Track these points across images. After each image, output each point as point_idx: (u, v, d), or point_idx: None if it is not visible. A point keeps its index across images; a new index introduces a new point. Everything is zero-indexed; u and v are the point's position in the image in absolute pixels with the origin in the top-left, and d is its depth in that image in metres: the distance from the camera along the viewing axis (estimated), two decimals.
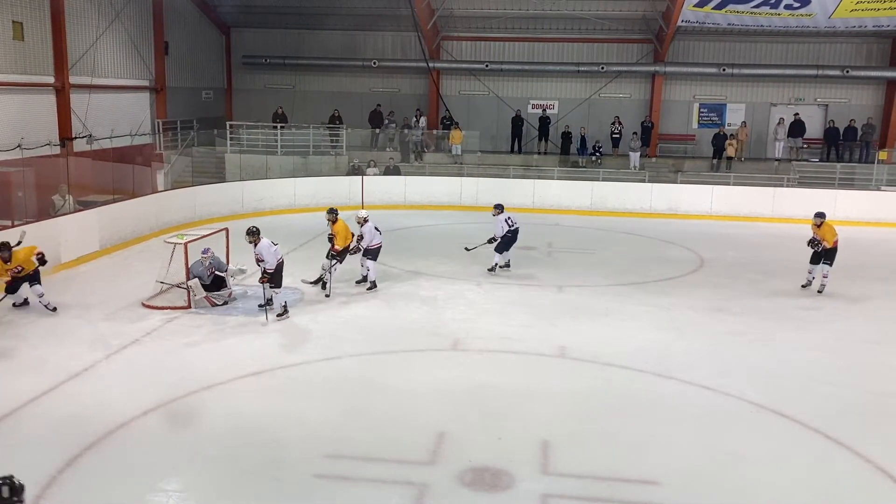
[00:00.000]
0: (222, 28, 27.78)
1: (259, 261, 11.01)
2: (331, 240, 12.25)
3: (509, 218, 13.69)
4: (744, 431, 7.73)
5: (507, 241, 13.73)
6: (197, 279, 11.44)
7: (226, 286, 11.81)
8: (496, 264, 13.83)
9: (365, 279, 12.77)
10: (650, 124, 25.18)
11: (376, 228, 12.69)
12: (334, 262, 12.30)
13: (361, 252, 12.68)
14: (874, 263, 15.72)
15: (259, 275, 11.06)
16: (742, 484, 6.66)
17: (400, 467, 6.80)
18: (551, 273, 14.18)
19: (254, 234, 10.98)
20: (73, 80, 19.44)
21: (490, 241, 13.79)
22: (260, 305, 11.34)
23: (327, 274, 12.28)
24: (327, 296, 12.05)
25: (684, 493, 6.47)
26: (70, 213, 14.97)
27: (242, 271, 12.20)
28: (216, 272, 11.70)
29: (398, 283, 13.17)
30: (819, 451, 7.35)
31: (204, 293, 11.47)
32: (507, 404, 8.21)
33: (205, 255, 11.55)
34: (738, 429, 7.79)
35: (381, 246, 12.76)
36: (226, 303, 11.59)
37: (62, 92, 19.13)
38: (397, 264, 14.13)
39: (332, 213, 12.47)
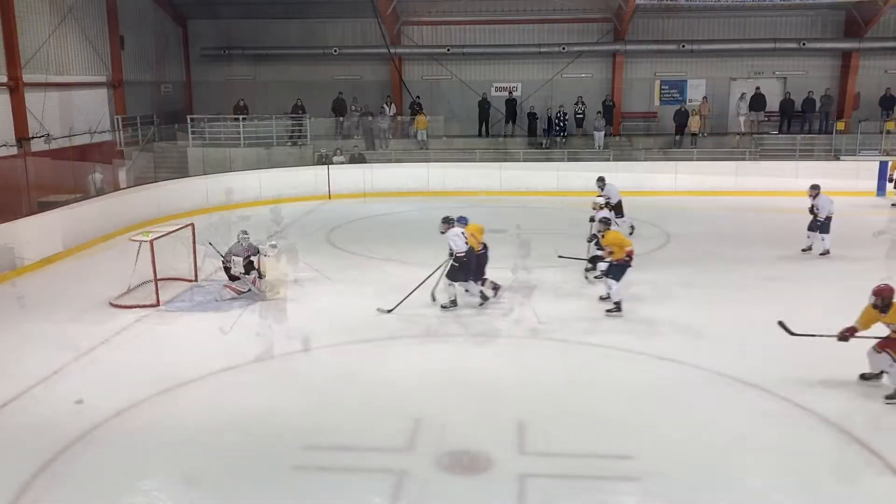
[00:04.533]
0: (179, 20, 27.28)
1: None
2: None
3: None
4: (715, 403, 7.90)
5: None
6: (238, 258, 11.41)
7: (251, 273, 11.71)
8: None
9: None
10: (611, 103, 25.30)
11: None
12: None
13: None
14: (834, 232, 16.00)
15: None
16: (714, 453, 6.80)
17: (378, 455, 6.83)
18: (520, 254, 14.24)
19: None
20: (27, 78, 18.97)
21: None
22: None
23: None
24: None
25: (659, 465, 6.58)
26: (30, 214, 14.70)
27: (274, 247, 12.07)
28: (251, 257, 11.62)
29: (368, 271, 13.15)
30: (789, 420, 7.52)
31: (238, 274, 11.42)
32: (482, 387, 8.27)
33: (244, 236, 11.59)
34: (710, 400, 7.96)
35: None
36: (249, 290, 11.55)
37: (16, 91, 18.66)
38: (366, 252, 14.11)
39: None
